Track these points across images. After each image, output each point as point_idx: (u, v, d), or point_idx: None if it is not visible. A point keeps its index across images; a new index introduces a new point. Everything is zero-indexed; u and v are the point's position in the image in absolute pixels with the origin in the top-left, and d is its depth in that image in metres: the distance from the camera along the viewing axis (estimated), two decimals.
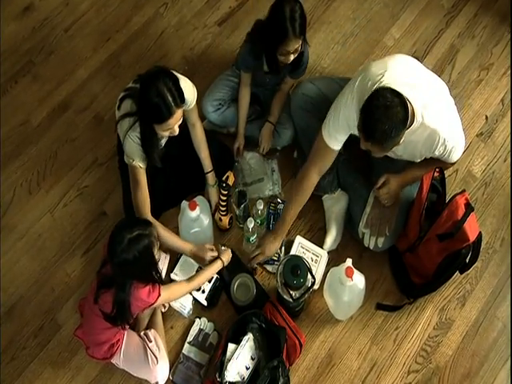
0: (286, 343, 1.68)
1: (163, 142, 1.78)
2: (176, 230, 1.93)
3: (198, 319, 1.84)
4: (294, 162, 2.06)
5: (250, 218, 1.83)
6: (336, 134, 1.68)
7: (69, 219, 2.04)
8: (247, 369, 1.65)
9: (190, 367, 1.76)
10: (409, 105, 1.46)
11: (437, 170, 1.72)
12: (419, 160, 1.69)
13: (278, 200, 2.01)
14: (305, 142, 1.96)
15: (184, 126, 1.93)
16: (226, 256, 1.80)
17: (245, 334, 1.68)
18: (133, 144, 1.62)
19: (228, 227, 1.98)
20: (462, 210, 1.62)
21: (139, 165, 1.65)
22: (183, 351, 1.79)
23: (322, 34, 2.34)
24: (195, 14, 2.39)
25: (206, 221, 1.82)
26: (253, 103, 2.10)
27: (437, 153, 1.62)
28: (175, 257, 1.90)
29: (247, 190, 1.99)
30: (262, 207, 1.86)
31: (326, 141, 1.69)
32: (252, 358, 1.65)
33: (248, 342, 1.66)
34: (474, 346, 1.85)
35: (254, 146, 2.07)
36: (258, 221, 1.91)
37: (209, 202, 1.91)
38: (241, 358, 1.63)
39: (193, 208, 1.72)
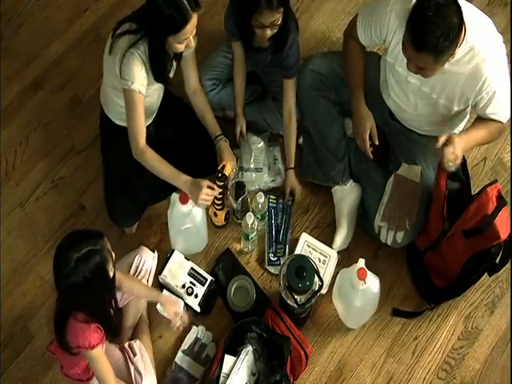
0: (290, 355, 1.67)
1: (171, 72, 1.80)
2: (165, 226, 1.91)
3: (195, 326, 1.83)
4: (299, 149, 2.03)
5: (250, 213, 1.82)
6: (363, 27, 1.73)
7: (42, 214, 2.02)
8: None
9: (182, 379, 1.76)
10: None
11: None
12: (456, 109, 1.67)
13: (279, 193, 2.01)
14: (312, 126, 1.95)
15: (174, 108, 1.92)
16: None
17: (242, 343, 1.67)
18: (135, 62, 1.62)
19: (224, 223, 1.97)
20: (492, 204, 1.61)
21: (138, 89, 1.64)
22: (176, 360, 1.79)
23: (332, 4, 2.33)
24: None
25: (200, 216, 1.79)
26: (252, 82, 2.08)
27: (484, 94, 1.57)
28: (164, 256, 1.88)
29: (242, 175, 1.98)
30: (262, 200, 1.85)
31: (358, 26, 1.75)
32: (253, 374, 1.65)
33: (247, 356, 1.65)
34: (505, 358, 1.83)
35: (253, 132, 2.05)
36: (259, 216, 1.90)
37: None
38: (240, 374, 1.62)
39: (184, 201, 1.70)
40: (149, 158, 1.71)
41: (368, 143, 1.77)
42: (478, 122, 1.72)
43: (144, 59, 1.64)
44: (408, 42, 1.45)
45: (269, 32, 1.74)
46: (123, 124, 1.77)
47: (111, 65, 1.66)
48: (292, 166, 1.98)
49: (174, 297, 1.77)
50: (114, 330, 1.54)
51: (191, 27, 1.57)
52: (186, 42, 1.61)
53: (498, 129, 1.70)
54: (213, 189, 1.72)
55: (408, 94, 1.73)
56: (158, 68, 1.67)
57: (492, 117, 1.65)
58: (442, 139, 1.62)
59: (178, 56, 1.75)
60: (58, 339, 1.50)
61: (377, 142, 1.78)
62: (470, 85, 1.58)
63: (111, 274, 1.45)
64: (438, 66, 1.50)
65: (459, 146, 1.61)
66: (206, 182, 1.69)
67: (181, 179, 1.71)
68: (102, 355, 1.53)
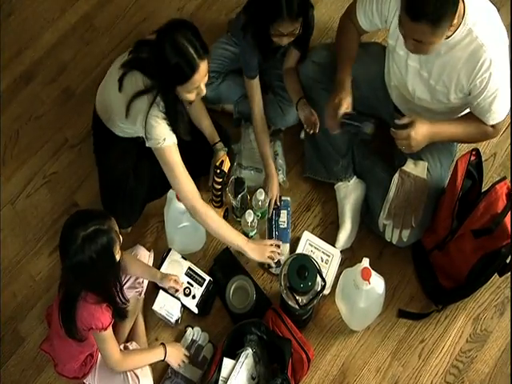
0: (291, 358, 1.67)
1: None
2: (161, 224, 1.91)
3: (190, 328, 1.83)
4: (301, 144, 2.04)
5: (249, 211, 1.82)
6: (363, 10, 1.72)
7: (33, 212, 2.02)
8: None
9: None
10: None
11: (473, 153, 1.70)
12: (453, 97, 1.64)
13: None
14: None
15: None
16: (175, 352, 1.73)
17: (242, 346, 1.67)
18: (159, 122, 1.60)
19: None
20: (502, 202, 1.60)
21: (172, 142, 1.64)
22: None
23: None
24: None
25: None
26: None
27: (478, 82, 1.56)
28: (160, 256, 1.88)
29: (240, 172, 1.98)
30: (262, 198, 1.85)
31: (358, 8, 1.74)
32: (252, 378, 1.64)
33: (247, 359, 1.64)
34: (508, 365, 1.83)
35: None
36: (259, 214, 1.90)
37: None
38: (240, 378, 1.62)
39: None
40: (211, 221, 1.71)
41: (336, 117, 1.67)
42: (463, 117, 1.70)
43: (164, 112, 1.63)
44: (403, 12, 1.42)
45: (285, 40, 1.74)
46: (122, 135, 1.77)
47: (121, 106, 1.62)
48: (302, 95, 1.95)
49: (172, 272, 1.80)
50: (119, 311, 1.56)
51: (199, 76, 1.54)
52: (196, 90, 1.58)
53: (482, 132, 1.67)
54: (278, 246, 1.82)
55: (408, 80, 1.71)
56: (175, 120, 1.64)
57: (478, 112, 1.62)
58: (405, 119, 1.60)
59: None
60: (64, 324, 1.50)
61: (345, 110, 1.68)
62: (466, 70, 1.56)
63: (117, 257, 1.45)
64: (435, 39, 1.46)
65: (419, 132, 1.59)
66: (271, 241, 1.81)
67: (244, 240, 1.75)
68: (111, 336, 1.56)
